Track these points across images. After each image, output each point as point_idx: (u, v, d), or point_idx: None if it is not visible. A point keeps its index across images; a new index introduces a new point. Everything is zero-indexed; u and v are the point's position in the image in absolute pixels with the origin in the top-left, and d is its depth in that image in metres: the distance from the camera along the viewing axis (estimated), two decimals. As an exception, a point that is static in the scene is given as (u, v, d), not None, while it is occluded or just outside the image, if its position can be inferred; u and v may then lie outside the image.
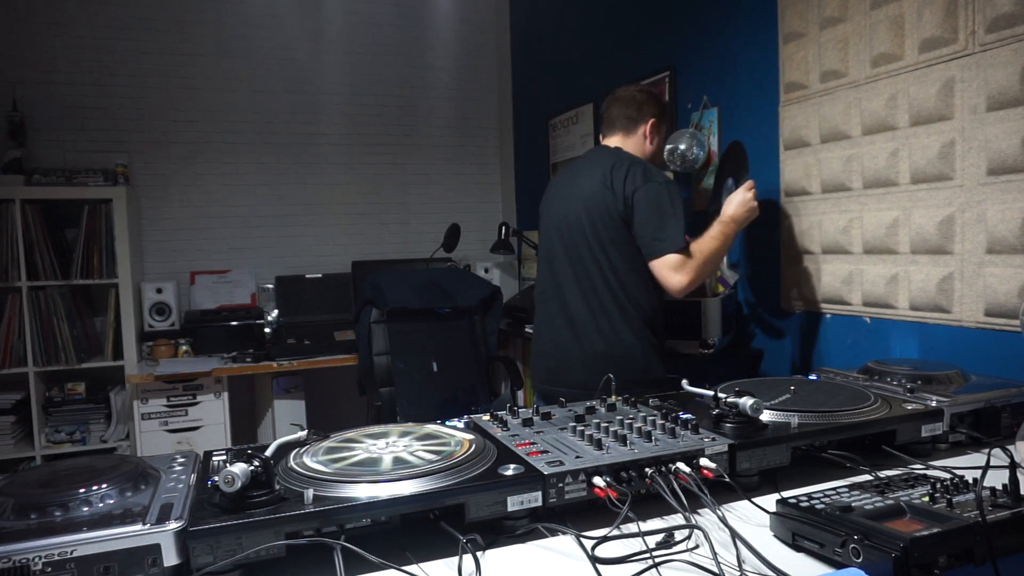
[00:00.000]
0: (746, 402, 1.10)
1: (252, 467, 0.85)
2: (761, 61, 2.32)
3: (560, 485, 0.95)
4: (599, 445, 1.04)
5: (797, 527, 0.88)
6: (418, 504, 0.89)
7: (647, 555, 0.84)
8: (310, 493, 0.87)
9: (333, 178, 4.08)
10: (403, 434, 1.11)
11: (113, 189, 3.32)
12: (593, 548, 0.86)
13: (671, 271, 1.82)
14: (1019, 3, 1.52)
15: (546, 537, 0.93)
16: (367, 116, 4.14)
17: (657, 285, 1.91)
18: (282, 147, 3.97)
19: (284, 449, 1.02)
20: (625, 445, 1.04)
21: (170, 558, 0.79)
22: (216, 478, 0.85)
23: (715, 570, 0.80)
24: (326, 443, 1.07)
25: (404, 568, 0.84)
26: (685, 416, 1.15)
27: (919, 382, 1.39)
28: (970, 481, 0.95)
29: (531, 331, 3.12)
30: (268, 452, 0.93)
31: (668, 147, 2.55)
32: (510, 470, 0.95)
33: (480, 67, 4.42)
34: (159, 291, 3.54)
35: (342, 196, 4.10)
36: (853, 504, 0.86)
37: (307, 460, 0.98)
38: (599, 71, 3.42)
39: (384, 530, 0.92)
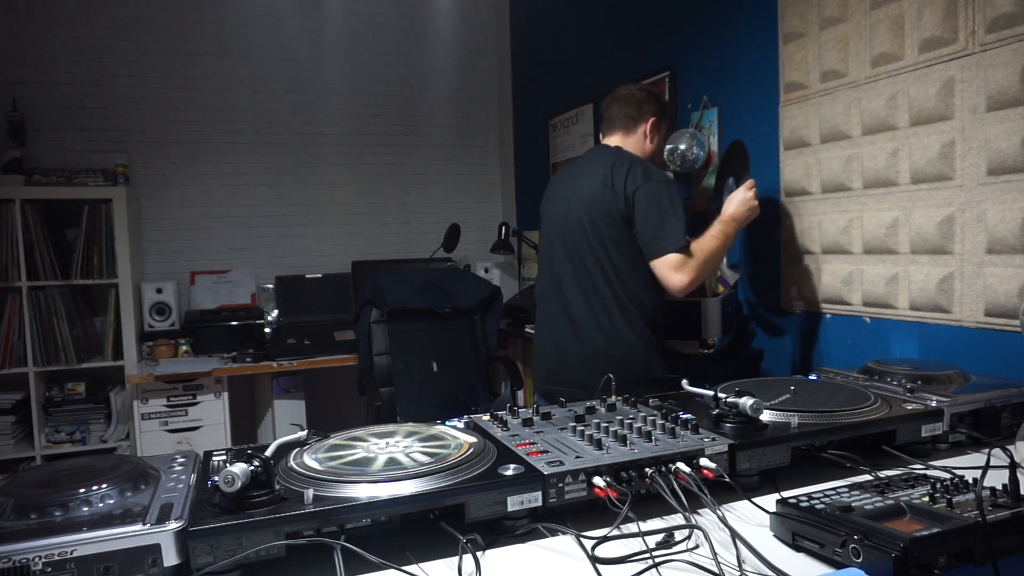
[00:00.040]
0: (746, 402, 1.10)
1: (252, 467, 0.85)
2: (761, 61, 2.32)
3: (560, 485, 0.95)
4: (599, 445, 1.04)
5: (797, 527, 0.88)
6: (418, 504, 0.89)
7: (647, 555, 0.84)
8: (310, 493, 0.87)
9: (333, 178, 4.08)
10: (403, 434, 1.11)
11: (113, 189, 3.32)
12: (593, 548, 0.86)
13: (672, 270, 1.82)
14: (1019, 3, 1.52)
15: (546, 537, 0.93)
16: (367, 116, 4.14)
17: (658, 284, 1.91)
18: (282, 147, 3.97)
19: (284, 449, 1.02)
20: (625, 445, 1.04)
21: (170, 558, 0.79)
22: (216, 478, 0.85)
23: (715, 570, 0.80)
24: (326, 443, 1.07)
25: (404, 568, 0.84)
26: (685, 416, 1.15)
27: (919, 382, 1.39)
28: (970, 481, 0.95)
29: (531, 331, 3.12)
30: (268, 452, 0.93)
31: (668, 147, 2.55)
32: (510, 470, 0.95)
33: (480, 67, 4.42)
34: (159, 291, 3.54)
35: (342, 196, 4.10)
36: (853, 504, 0.86)
37: (307, 460, 0.98)
38: (599, 71, 3.42)
39: (384, 530, 0.92)
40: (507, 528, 0.93)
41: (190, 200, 3.79)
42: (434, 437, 1.09)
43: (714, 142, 2.57)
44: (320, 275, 3.83)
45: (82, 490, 0.87)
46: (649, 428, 1.10)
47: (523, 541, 0.93)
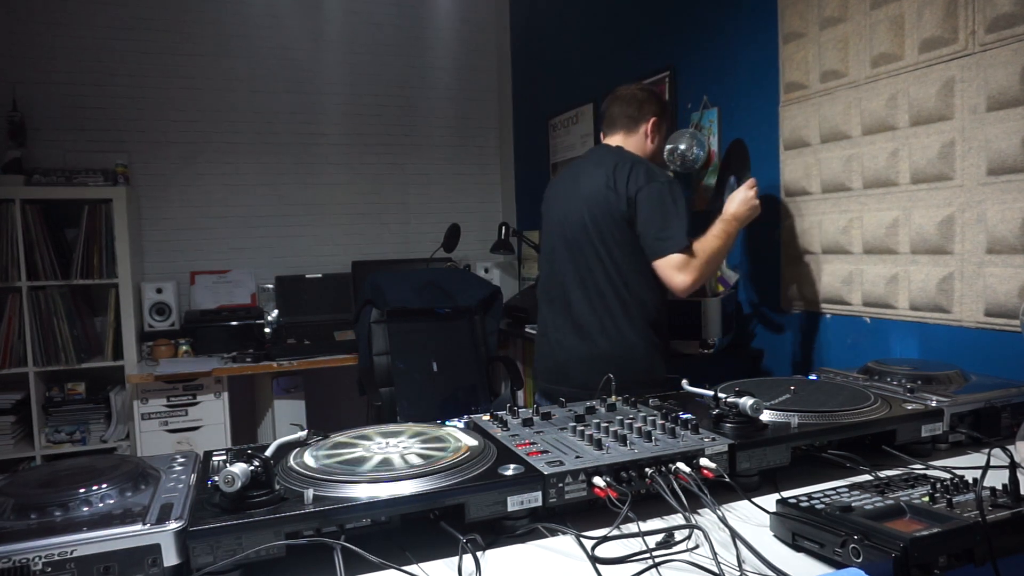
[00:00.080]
0: (746, 402, 1.10)
1: (252, 467, 0.85)
2: (761, 61, 2.32)
3: (560, 485, 0.95)
4: (599, 445, 1.04)
5: (797, 527, 0.88)
6: (418, 504, 0.89)
7: (647, 555, 0.84)
8: (310, 493, 0.87)
9: (333, 178, 4.08)
10: (403, 434, 1.11)
11: (113, 189, 3.32)
12: (593, 548, 0.86)
13: (675, 271, 1.82)
14: (1019, 3, 1.52)
15: (546, 537, 0.93)
16: (367, 116, 4.14)
17: (660, 285, 1.91)
18: (282, 147, 3.97)
19: (284, 449, 1.02)
20: (625, 445, 1.04)
21: (170, 558, 0.79)
22: (216, 478, 0.85)
23: (715, 570, 0.80)
24: (326, 443, 1.07)
25: (404, 568, 0.84)
26: (685, 416, 1.15)
27: (919, 382, 1.39)
28: (970, 481, 0.95)
29: (531, 331, 3.12)
30: (268, 452, 0.93)
31: (668, 147, 2.55)
32: (510, 470, 0.95)
33: (480, 67, 4.42)
34: (159, 291, 3.54)
35: (342, 196, 4.10)
36: (853, 504, 0.86)
37: (307, 460, 0.98)
38: (599, 71, 3.42)
39: (384, 530, 0.92)
40: (507, 528, 0.93)
41: (190, 200, 3.79)
42: (434, 437, 1.09)
43: (714, 142, 2.57)
44: (320, 275, 3.83)
45: (82, 490, 0.87)
46: (649, 428, 1.10)
47: (523, 541, 0.93)
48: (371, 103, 4.15)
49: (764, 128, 2.31)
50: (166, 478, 0.96)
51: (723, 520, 0.89)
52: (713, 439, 1.07)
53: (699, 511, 0.97)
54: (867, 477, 1.05)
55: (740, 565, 0.82)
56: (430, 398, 2.66)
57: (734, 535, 0.85)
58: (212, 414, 3.20)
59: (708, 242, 1.87)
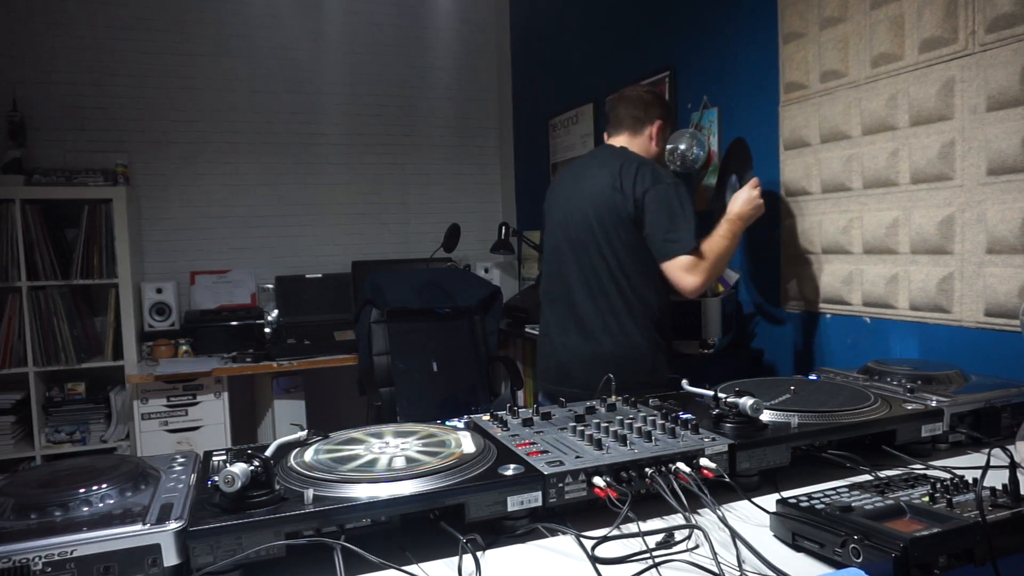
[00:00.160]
0: (746, 402, 1.10)
1: (252, 467, 0.85)
2: (761, 61, 2.32)
3: (560, 485, 0.95)
4: (599, 445, 1.04)
5: (797, 527, 0.88)
6: (418, 504, 0.89)
7: (647, 555, 0.84)
8: (310, 493, 0.87)
9: (333, 178, 4.09)
10: (403, 434, 1.11)
11: (113, 189, 3.32)
12: (593, 548, 0.86)
13: (684, 272, 1.82)
14: (1019, 3, 1.52)
15: (546, 537, 0.93)
16: (367, 116, 4.14)
17: (665, 285, 1.91)
18: (282, 147, 3.97)
19: (284, 449, 1.02)
20: (625, 445, 1.04)
21: (170, 558, 0.79)
22: (216, 478, 0.85)
23: (715, 570, 0.80)
24: (326, 443, 1.07)
25: (404, 568, 0.84)
26: (685, 416, 1.15)
27: (919, 382, 1.39)
28: (970, 481, 0.95)
29: (531, 331, 3.12)
30: (268, 452, 0.93)
31: (668, 147, 2.55)
32: (510, 470, 0.95)
33: (480, 67, 4.42)
34: (159, 291, 3.54)
35: (342, 196, 4.10)
36: (853, 504, 0.86)
37: (307, 460, 0.98)
38: (599, 71, 3.42)
39: (384, 530, 0.92)
40: (507, 528, 0.93)
41: (190, 200, 3.79)
42: (434, 437, 1.09)
43: (714, 142, 2.57)
44: (320, 275, 3.83)
45: (82, 490, 0.87)
46: (649, 428, 1.10)
47: (523, 541, 0.93)
48: (371, 103, 4.15)
49: (764, 128, 2.31)
50: (166, 478, 0.96)
51: (723, 520, 0.89)
52: (713, 439, 1.07)
53: (699, 511, 0.97)
54: (867, 477, 1.05)
55: (740, 565, 0.82)
56: (430, 398, 2.66)
57: (734, 535, 0.85)
58: (212, 414, 3.19)
59: (715, 243, 1.87)
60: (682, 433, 1.10)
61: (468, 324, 2.84)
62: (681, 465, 1.00)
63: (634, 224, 1.89)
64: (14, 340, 3.17)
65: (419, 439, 1.08)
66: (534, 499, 0.93)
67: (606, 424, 1.14)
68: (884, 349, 1.93)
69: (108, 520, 0.81)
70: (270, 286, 3.79)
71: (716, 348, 2.29)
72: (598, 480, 0.96)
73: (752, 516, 0.99)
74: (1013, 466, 0.92)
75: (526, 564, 0.88)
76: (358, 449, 1.04)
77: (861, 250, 1.96)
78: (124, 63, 3.62)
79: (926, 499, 0.88)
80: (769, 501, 0.97)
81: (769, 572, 0.80)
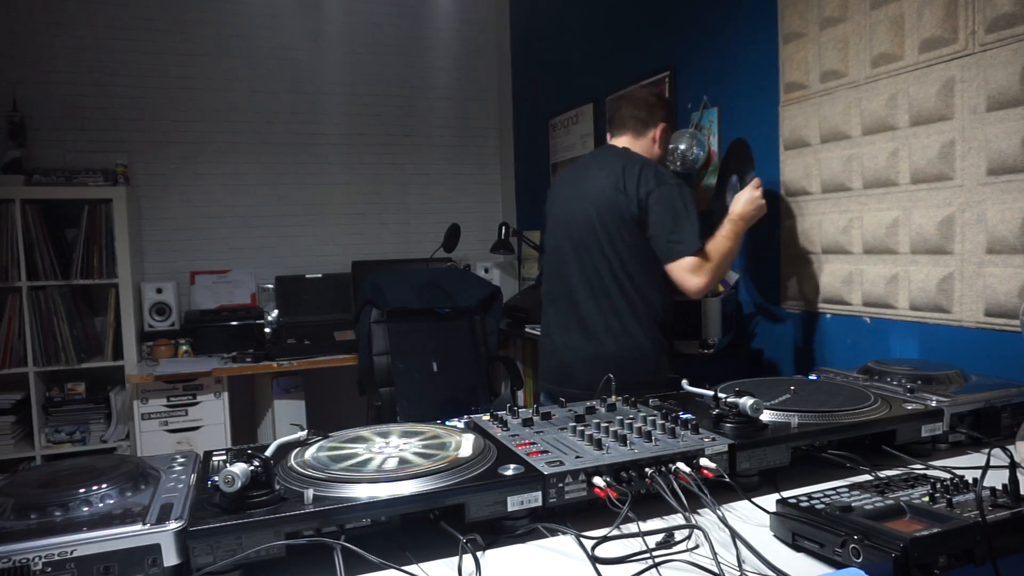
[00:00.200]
0: (746, 402, 1.10)
1: (252, 467, 0.85)
2: (761, 61, 2.32)
3: (560, 485, 0.95)
4: (599, 445, 1.04)
5: (797, 527, 0.88)
6: (418, 504, 0.89)
7: (647, 555, 0.84)
8: (310, 493, 0.87)
9: (333, 178, 4.09)
10: (403, 434, 1.11)
11: (113, 189, 3.32)
12: (593, 548, 0.86)
13: (689, 273, 1.83)
14: (1019, 3, 1.52)
15: (546, 537, 0.93)
16: (367, 116, 4.14)
17: (667, 285, 1.91)
18: (282, 147, 3.97)
19: (284, 449, 1.02)
20: (625, 445, 1.04)
21: (170, 558, 0.79)
22: (216, 478, 0.85)
23: (715, 570, 0.80)
24: (326, 443, 1.07)
25: (404, 568, 0.84)
26: (685, 416, 1.15)
27: (919, 382, 1.39)
28: (970, 481, 0.95)
29: (531, 331, 3.12)
30: (268, 452, 0.93)
31: (668, 147, 2.55)
32: (510, 470, 0.95)
33: (480, 67, 4.42)
34: (159, 291, 3.54)
35: (342, 196, 4.10)
36: (853, 504, 0.86)
37: (307, 460, 0.98)
38: (599, 71, 3.42)
39: (384, 530, 0.92)
40: (507, 528, 0.93)
41: (190, 200, 3.79)
42: (434, 437, 1.09)
43: (714, 142, 2.57)
44: (320, 275, 3.83)
45: (82, 490, 0.87)
46: (649, 428, 1.10)
47: (523, 541, 0.93)
48: (371, 103, 4.15)
49: (764, 128, 2.31)
50: (166, 478, 0.96)
51: (723, 520, 0.89)
52: (713, 439, 1.07)
53: (699, 511, 0.97)
54: (867, 477, 1.05)
55: (740, 565, 0.82)
56: (430, 398, 2.66)
57: (734, 535, 0.85)
58: (212, 414, 3.19)
59: (719, 243, 1.87)
60: (682, 433, 1.10)
61: (468, 324, 2.84)
62: (681, 465, 1.00)
63: (637, 225, 1.89)
64: (14, 340, 3.17)
65: (419, 439, 1.08)
66: (534, 499, 0.93)
67: (606, 424, 1.14)
68: (884, 349, 1.93)
69: (108, 520, 0.81)
70: (270, 286, 3.79)
71: (716, 348, 2.29)
72: (598, 480, 0.96)
73: (752, 516, 0.99)
74: (1013, 466, 0.92)
75: (526, 564, 0.88)
76: (358, 449, 1.04)
77: (861, 250, 1.96)
78: (124, 63, 3.62)
79: (926, 499, 0.88)
80: (769, 501, 0.97)
81: (769, 572, 0.80)
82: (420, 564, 0.86)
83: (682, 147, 2.55)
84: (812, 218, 2.13)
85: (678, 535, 0.90)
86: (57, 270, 3.23)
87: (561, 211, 2.07)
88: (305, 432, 1.06)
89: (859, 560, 0.78)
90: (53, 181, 3.26)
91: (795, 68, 2.16)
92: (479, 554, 0.86)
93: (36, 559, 0.75)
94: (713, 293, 2.38)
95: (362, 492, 0.89)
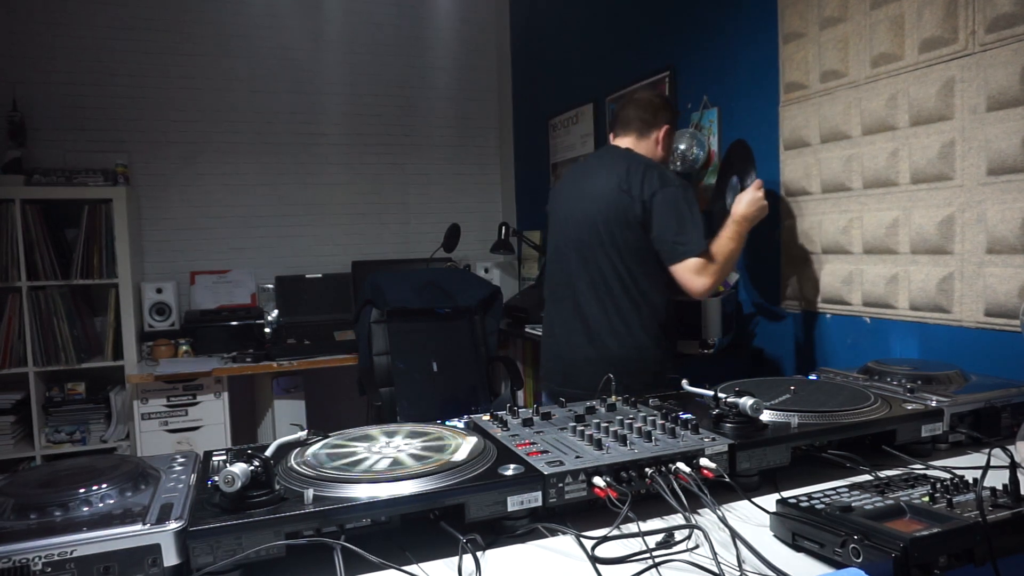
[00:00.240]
0: (746, 402, 1.10)
1: (252, 467, 0.85)
2: (761, 61, 2.32)
3: (560, 485, 0.95)
4: (599, 445, 1.04)
5: (797, 527, 0.88)
6: (418, 504, 0.89)
7: (647, 555, 0.84)
8: (310, 493, 0.87)
9: (333, 178, 4.08)
10: (403, 434, 1.11)
11: (113, 189, 3.32)
12: (593, 548, 0.86)
13: (694, 275, 1.83)
14: (1019, 3, 1.52)
15: (546, 537, 0.93)
16: (367, 116, 4.14)
17: (669, 286, 1.92)
18: (282, 147, 3.97)
19: (284, 449, 1.02)
20: (625, 445, 1.04)
21: (170, 558, 0.79)
22: (216, 478, 0.85)
23: (715, 570, 0.80)
24: (326, 443, 1.07)
25: (404, 568, 0.84)
26: (685, 416, 1.15)
27: (919, 382, 1.39)
28: (970, 481, 0.95)
29: (531, 331, 3.12)
30: (268, 452, 0.93)
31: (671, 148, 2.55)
32: (510, 470, 0.95)
33: (480, 67, 4.42)
34: (159, 291, 3.54)
35: (342, 196, 4.10)
36: (853, 504, 0.86)
37: (307, 460, 0.98)
38: (599, 71, 3.42)
39: (384, 530, 0.92)
40: (507, 528, 0.93)
41: (190, 200, 3.79)
42: (434, 437, 1.09)
43: (714, 142, 2.57)
44: (320, 275, 3.83)
45: (82, 490, 0.87)
46: (649, 428, 1.10)
47: (523, 541, 0.93)
48: (371, 103, 4.15)
49: (764, 128, 2.31)
50: (166, 478, 0.96)
51: (723, 520, 0.89)
52: (713, 439, 1.07)
53: (699, 511, 0.97)
54: (867, 477, 1.05)
55: (740, 565, 0.82)
56: (430, 398, 2.66)
57: (734, 535, 0.85)
58: (212, 414, 3.19)
59: (723, 244, 1.88)
60: (682, 433, 1.10)
61: (468, 324, 2.84)
62: (681, 465, 1.00)
63: (641, 226, 1.89)
64: (14, 340, 3.16)
65: (419, 439, 1.08)
66: (534, 499, 0.93)
67: (606, 424, 1.14)
68: (884, 349, 1.93)
69: (108, 520, 0.81)
70: (270, 286, 3.79)
71: (716, 348, 2.29)
72: (598, 480, 0.96)
73: (752, 516, 0.99)
74: (1013, 466, 0.92)
75: (526, 564, 0.88)
76: (358, 449, 1.04)
77: (861, 250, 1.96)
78: (124, 63, 3.62)
79: (926, 499, 0.88)
80: (769, 501, 0.97)
81: (769, 572, 0.80)
82: (420, 564, 0.86)
83: (682, 147, 2.55)
84: (812, 218, 2.13)
85: (678, 535, 0.90)
86: (57, 270, 3.23)
87: (564, 211, 2.07)
88: (305, 432, 1.06)
89: (859, 560, 0.78)
90: (53, 181, 3.26)
91: (795, 68, 2.16)
92: (479, 554, 0.86)
93: (36, 559, 0.75)
94: (713, 293, 2.38)
95: (362, 492, 0.89)
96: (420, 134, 4.28)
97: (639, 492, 0.98)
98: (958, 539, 0.79)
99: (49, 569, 0.75)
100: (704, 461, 1.02)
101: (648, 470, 0.99)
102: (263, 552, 0.81)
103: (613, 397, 1.33)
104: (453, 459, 0.97)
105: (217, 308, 3.70)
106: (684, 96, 2.76)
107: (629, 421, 1.15)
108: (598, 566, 0.82)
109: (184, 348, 3.44)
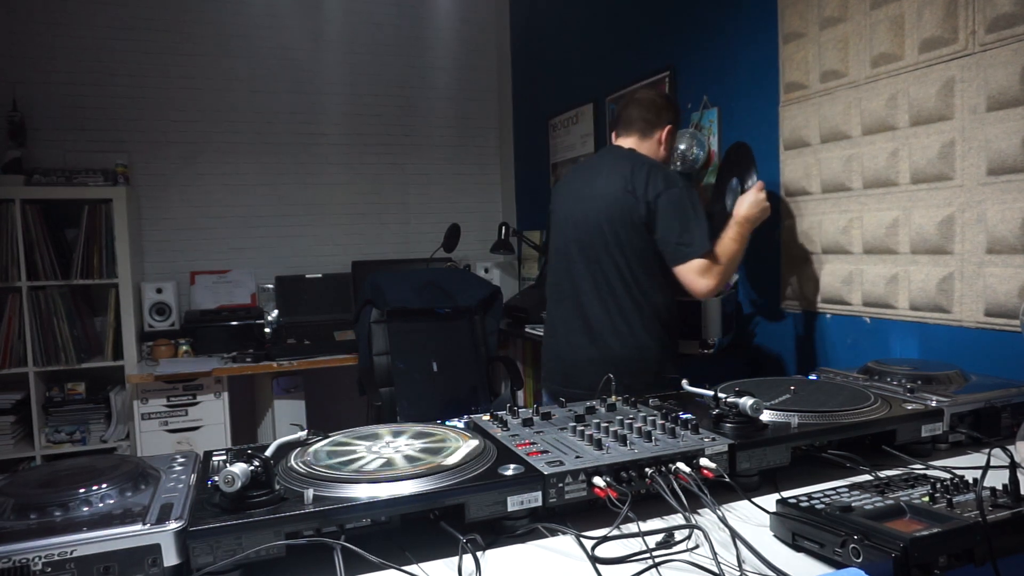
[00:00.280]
0: (746, 402, 1.10)
1: (252, 467, 0.85)
2: (761, 61, 2.32)
3: (560, 485, 0.95)
4: (599, 445, 1.04)
5: (797, 527, 0.88)
6: (418, 504, 0.89)
7: (647, 555, 0.84)
8: (310, 493, 0.87)
9: (333, 178, 4.08)
10: (403, 434, 1.11)
11: (113, 189, 3.32)
12: (593, 548, 0.86)
13: (698, 276, 1.83)
14: (1019, 3, 1.52)
15: (546, 537, 0.93)
16: (367, 116, 4.14)
17: (672, 286, 1.91)
18: (282, 147, 3.97)
19: (284, 449, 1.02)
20: (625, 445, 1.04)
21: (170, 558, 0.79)
22: (216, 478, 0.85)
23: (715, 570, 0.80)
24: (326, 443, 1.07)
25: (404, 568, 0.84)
26: (685, 416, 1.15)
27: (919, 382, 1.39)
28: (970, 481, 0.95)
29: (531, 331, 3.12)
30: (268, 452, 0.93)
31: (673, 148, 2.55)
32: (510, 470, 0.95)
33: (480, 67, 4.42)
34: (159, 291, 3.54)
35: (342, 196, 4.10)
36: (853, 504, 0.86)
37: (307, 460, 0.98)
38: (599, 71, 3.42)
39: (384, 530, 0.92)
40: (507, 528, 0.93)
41: (190, 200, 3.79)
42: (434, 437, 1.09)
43: (714, 142, 2.57)
44: (320, 275, 3.83)
45: (82, 490, 0.87)
46: (649, 428, 1.10)
47: (523, 541, 0.93)
48: (371, 103, 4.15)
49: (764, 128, 2.31)
50: (166, 478, 0.96)
51: (723, 520, 0.89)
52: (713, 439, 1.07)
53: (699, 511, 0.97)
54: (867, 477, 1.05)
55: (740, 565, 0.82)
56: (430, 398, 2.66)
57: (734, 535, 0.85)
58: (212, 414, 3.19)
59: (726, 246, 1.89)
60: (682, 433, 1.10)
61: (468, 324, 2.84)
62: (681, 465, 1.00)
63: (645, 227, 1.89)
64: (14, 340, 3.17)
65: (419, 439, 1.08)
66: (534, 499, 0.93)
67: (606, 424, 1.14)
68: (884, 349, 1.93)
69: (108, 520, 0.81)
70: (270, 286, 3.79)
71: (716, 348, 2.29)
72: (598, 480, 0.96)
73: (752, 516, 0.99)
74: (1013, 466, 0.92)
75: (526, 564, 0.88)
76: (358, 449, 1.04)
77: (861, 250, 1.96)
78: (124, 63, 3.62)
79: (926, 499, 0.88)
80: (769, 501, 0.97)
81: (769, 572, 0.80)
82: (420, 564, 0.86)
83: (682, 147, 2.55)
84: (812, 218, 2.13)
85: (678, 535, 0.90)
86: (57, 270, 3.23)
87: (567, 212, 2.07)
88: (305, 432, 1.06)
89: (859, 560, 0.78)
90: (53, 181, 3.26)
91: (795, 68, 2.16)
92: (479, 554, 0.86)
93: (36, 559, 0.75)
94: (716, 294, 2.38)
95: (362, 492, 0.89)
96: (420, 134, 4.28)
97: (639, 492, 0.98)
98: (958, 539, 0.79)
99: (49, 569, 0.75)
100: (704, 461, 1.02)
101: (648, 470, 0.99)
102: (263, 552, 0.81)
103: (613, 397, 1.33)
104: (453, 459, 0.97)
105: (217, 308, 3.70)
106: (684, 96, 2.76)
107: (629, 421, 1.15)
108: (598, 566, 0.82)
109: (184, 348, 3.44)
